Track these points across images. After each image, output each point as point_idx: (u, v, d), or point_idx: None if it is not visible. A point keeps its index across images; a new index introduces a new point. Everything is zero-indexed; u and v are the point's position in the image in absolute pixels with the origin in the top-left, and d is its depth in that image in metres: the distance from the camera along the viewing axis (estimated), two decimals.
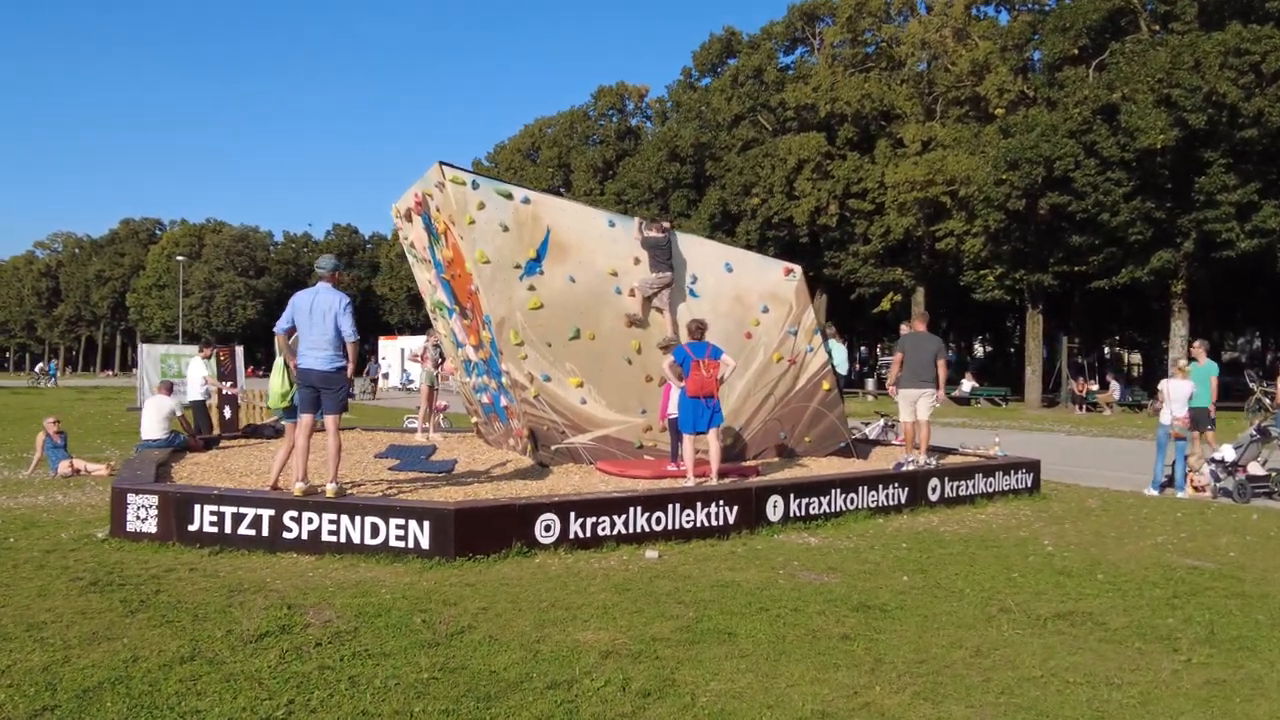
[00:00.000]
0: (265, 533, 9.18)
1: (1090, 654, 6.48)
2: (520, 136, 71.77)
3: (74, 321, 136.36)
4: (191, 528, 9.32)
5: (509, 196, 12.18)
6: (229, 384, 21.98)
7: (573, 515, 9.40)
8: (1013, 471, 13.53)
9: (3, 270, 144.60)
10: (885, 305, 48.71)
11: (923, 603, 7.73)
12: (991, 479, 13.18)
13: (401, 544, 8.90)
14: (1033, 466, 13.90)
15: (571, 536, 9.37)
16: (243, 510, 9.23)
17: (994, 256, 41.02)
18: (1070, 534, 10.95)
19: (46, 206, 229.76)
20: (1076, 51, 38.22)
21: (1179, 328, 36.76)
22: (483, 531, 8.97)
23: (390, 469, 12.18)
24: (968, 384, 46.07)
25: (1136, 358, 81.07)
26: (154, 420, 14.20)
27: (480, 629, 6.78)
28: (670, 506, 9.98)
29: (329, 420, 9.57)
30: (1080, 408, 39.73)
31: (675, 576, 8.43)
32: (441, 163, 11.82)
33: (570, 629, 6.80)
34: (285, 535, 9.15)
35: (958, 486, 12.69)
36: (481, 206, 11.95)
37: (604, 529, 9.57)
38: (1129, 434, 27.75)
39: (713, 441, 11.62)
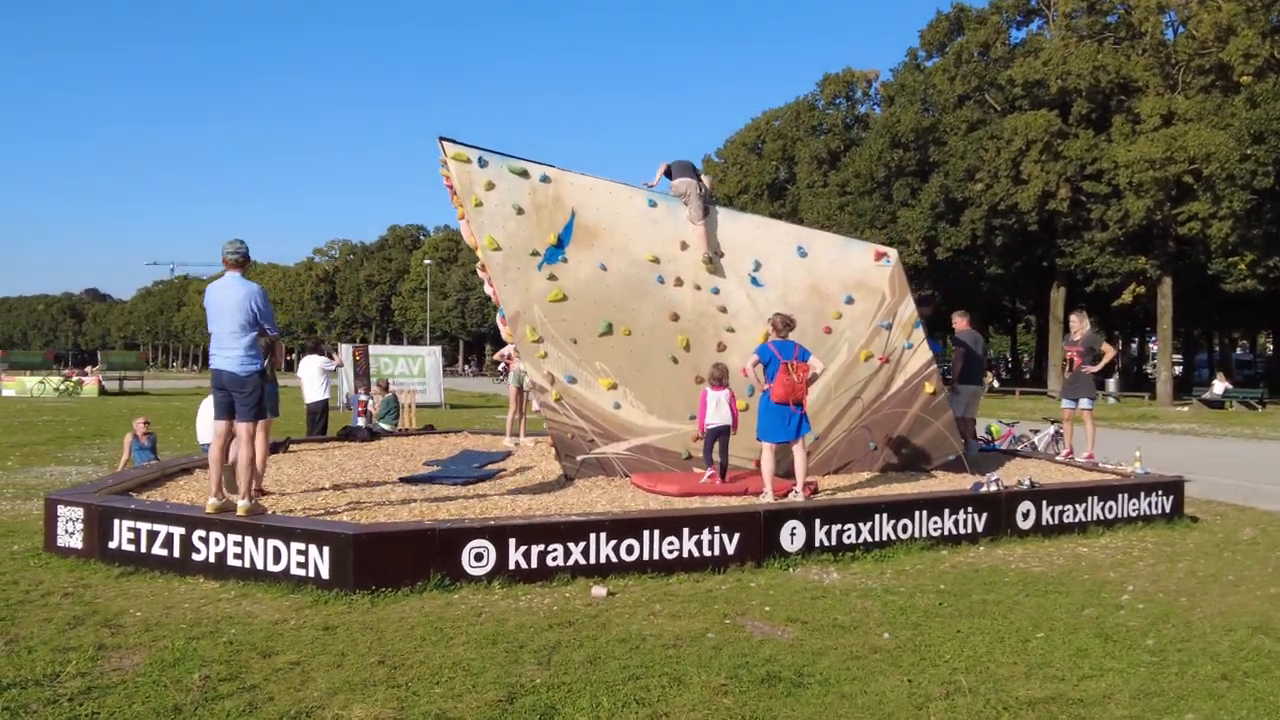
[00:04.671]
0: (176, 553, 8.19)
1: None
2: (746, 130, 69.90)
3: (349, 324, 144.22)
4: (111, 544, 8.46)
5: (524, 174, 10.84)
6: (363, 385, 21.44)
7: (513, 543, 7.95)
8: (1143, 493, 11.05)
9: (286, 275, 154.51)
10: (1127, 298, 44.28)
11: (863, 675, 5.88)
12: (1111, 503, 10.78)
13: (302, 572, 7.72)
14: (1172, 488, 11.32)
15: (512, 567, 7.93)
16: (156, 528, 8.28)
17: (1244, 242, 36.35)
18: (1175, 576, 8.64)
19: (324, 215, 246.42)
20: None
21: None
22: (391, 561, 7.67)
23: (401, 479, 11.05)
24: (1220, 385, 41.33)
25: None
26: (208, 423, 13.56)
27: (256, 693, 5.48)
28: (647, 533, 8.37)
29: (242, 429, 8.48)
30: None
31: (587, 624, 6.87)
32: (441, 138, 10.60)
33: (358, 697, 5.40)
34: (194, 557, 8.13)
35: (1061, 512, 10.42)
36: (490, 186, 10.67)
37: (555, 559, 8.07)
38: None
39: (799, 452, 10.03)
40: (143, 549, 8.31)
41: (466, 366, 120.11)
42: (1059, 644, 6.57)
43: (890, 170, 51.87)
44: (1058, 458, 14.10)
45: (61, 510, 8.77)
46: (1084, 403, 13.77)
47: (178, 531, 8.18)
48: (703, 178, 11.68)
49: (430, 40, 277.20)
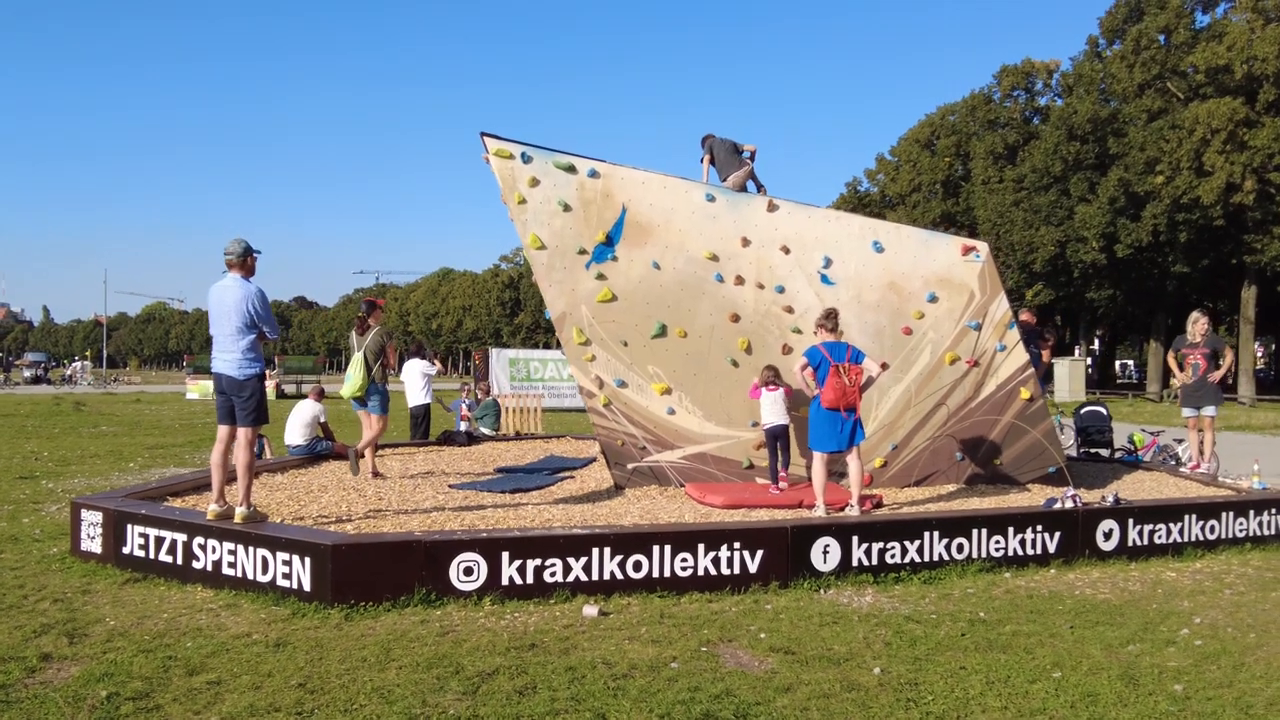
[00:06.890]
0: (179, 560, 8.04)
1: None
2: (919, 127, 67.62)
3: (532, 329, 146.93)
4: (125, 550, 8.39)
5: (571, 170, 10.38)
6: (478, 386, 21.33)
7: (506, 557, 7.48)
8: (1253, 511, 9.82)
9: (475, 282, 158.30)
10: None
11: (818, 718, 5.19)
12: (1213, 522, 9.60)
13: (287, 582, 7.44)
14: None
15: (505, 583, 7.46)
16: (162, 534, 8.15)
17: None
18: (1260, 608, 7.57)
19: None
20: None
21: None
22: (371, 573, 7.30)
23: (451, 485, 10.77)
24: None
25: None
26: (296, 425, 13.66)
27: (154, 715, 5.18)
28: (657, 549, 7.78)
29: (241, 434, 8.24)
30: None
31: (550, 648, 6.34)
32: (483, 133, 10.23)
33: None
34: (195, 565, 7.96)
35: (1151, 532, 9.33)
36: (534, 183, 10.26)
37: (554, 575, 7.57)
38: None
39: (853, 462, 9.33)
40: (151, 555, 8.21)
41: None
42: (1071, 686, 5.69)
43: (1067, 164, 49.32)
44: (1181, 469, 12.84)
45: (84, 514, 8.75)
46: (1208, 410, 12.51)
47: (180, 538, 8.03)
48: (745, 148, 11.07)
49: (617, 51, 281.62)
